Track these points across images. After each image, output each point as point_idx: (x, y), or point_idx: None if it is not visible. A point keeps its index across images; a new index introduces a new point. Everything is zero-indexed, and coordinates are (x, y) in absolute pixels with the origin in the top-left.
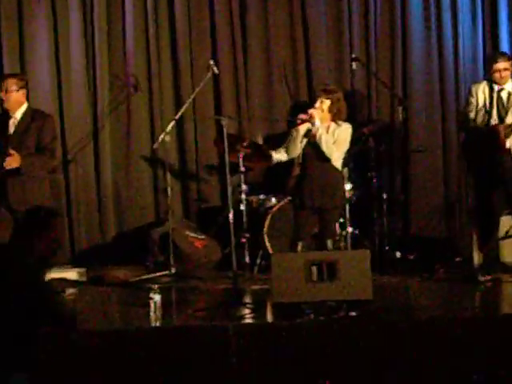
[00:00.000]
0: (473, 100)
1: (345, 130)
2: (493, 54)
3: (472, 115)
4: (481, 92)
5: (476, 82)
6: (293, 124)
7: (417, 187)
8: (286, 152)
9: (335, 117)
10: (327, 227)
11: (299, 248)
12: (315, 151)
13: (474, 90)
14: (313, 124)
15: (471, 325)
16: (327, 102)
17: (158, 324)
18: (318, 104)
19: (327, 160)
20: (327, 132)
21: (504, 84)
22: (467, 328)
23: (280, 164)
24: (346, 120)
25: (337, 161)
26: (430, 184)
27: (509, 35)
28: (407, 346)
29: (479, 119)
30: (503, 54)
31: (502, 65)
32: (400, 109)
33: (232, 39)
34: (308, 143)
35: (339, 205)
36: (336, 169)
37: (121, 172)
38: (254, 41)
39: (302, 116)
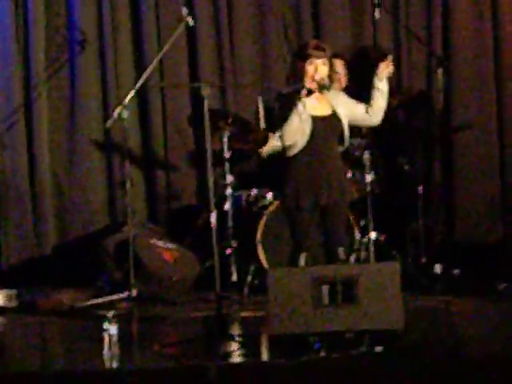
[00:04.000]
0: None
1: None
2: None
3: None
4: None
5: None
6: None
7: (464, 177)
8: (283, 138)
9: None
10: (337, 231)
11: (302, 261)
12: (326, 130)
13: None
14: (325, 91)
15: None
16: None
17: (114, 365)
18: (323, 65)
19: (340, 140)
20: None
21: None
22: None
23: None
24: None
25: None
26: (482, 173)
27: None
28: None
29: None
30: None
31: None
32: (440, 72)
33: None
34: (314, 120)
35: (349, 200)
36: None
37: (63, 160)
38: None
39: (310, 84)
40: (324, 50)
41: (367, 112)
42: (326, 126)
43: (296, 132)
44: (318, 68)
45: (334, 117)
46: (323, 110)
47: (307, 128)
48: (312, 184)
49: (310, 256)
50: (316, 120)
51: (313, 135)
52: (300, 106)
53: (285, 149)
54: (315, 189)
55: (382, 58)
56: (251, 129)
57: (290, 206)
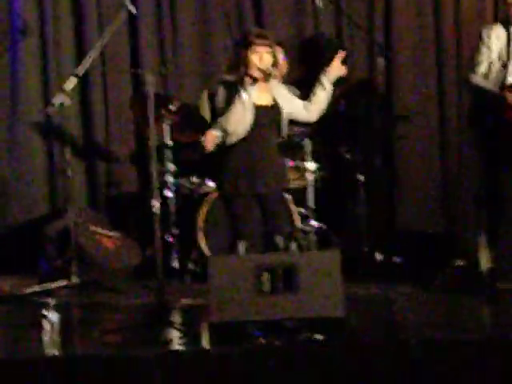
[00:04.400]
0: (484, 49)
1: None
2: None
3: (482, 69)
4: (494, 38)
5: (487, 24)
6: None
7: (404, 166)
8: (225, 128)
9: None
10: (275, 219)
11: (241, 248)
12: (267, 119)
13: (485, 34)
14: (268, 80)
15: (478, 351)
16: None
17: (53, 352)
18: (267, 54)
19: (278, 131)
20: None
21: None
22: (473, 356)
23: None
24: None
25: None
26: (423, 162)
27: None
28: (390, 379)
29: (492, 76)
30: None
31: None
32: (381, 60)
33: None
34: (256, 109)
35: (286, 188)
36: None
37: (3, 147)
38: None
39: (254, 73)
40: (267, 37)
41: (305, 108)
42: (266, 115)
43: (238, 120)
44: (262, 57)
45: (275, 107)
46: (265, 100)
47: (249, 117)
48: (249, 172)
49: (249, 243)
50: (258, 109)
51: (254, 124)
52: (243, 95)
53: (224, 137)
54: (252, 177)
55: (336, 51)
56: (194, 114)
57: (227, 194)
